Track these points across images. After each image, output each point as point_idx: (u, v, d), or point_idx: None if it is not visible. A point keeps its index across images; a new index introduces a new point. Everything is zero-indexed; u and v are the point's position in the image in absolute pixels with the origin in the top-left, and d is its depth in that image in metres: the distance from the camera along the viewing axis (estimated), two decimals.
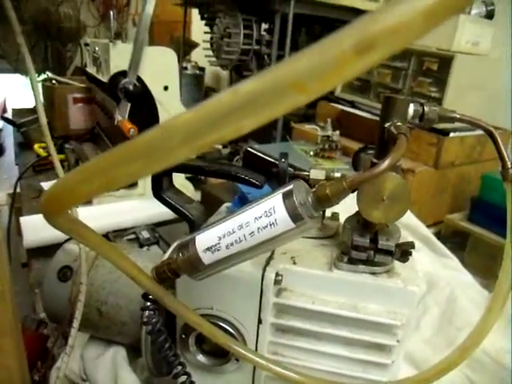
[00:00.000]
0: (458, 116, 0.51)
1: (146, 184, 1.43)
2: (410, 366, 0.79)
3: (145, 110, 1.27)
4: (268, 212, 0.40)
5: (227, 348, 0.48)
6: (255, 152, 0.82)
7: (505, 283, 0.48)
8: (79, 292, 0.61)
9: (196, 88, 2.24)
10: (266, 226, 0.40)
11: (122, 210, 1.37)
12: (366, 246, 0.51)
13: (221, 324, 0.55)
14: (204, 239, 0.44)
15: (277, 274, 0.53)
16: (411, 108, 0.50)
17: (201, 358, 0.58)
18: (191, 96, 2.13)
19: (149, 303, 0.51)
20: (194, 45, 3.04)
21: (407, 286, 0.52)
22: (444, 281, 0.90)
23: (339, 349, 0.55)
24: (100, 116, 1.73)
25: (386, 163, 0.39)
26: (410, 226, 0.99)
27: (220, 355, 0.58)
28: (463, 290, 0.88)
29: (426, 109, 0.50)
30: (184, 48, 2.49)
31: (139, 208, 1.38)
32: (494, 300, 0.48)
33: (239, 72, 2.33)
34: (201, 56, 2.40)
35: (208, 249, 0.43)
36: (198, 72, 2.37)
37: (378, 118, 0.51)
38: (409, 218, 1.00)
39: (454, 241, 1.33)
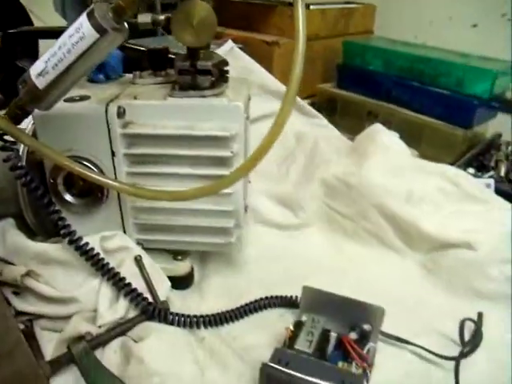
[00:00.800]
0: None
1: None
2: (282, 207, 0.96)
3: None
4: (77, 29, 0.52)
5: (86, 177, 0.61)
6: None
7: (296, 76, 0.59)
8: None
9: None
10: (78, 41, 0.52)
11: None
12: (188, 69, 0.64)
13: (81, 162, 0.68)
14: (35, 67, 0.55)
15: (118, 108, 0.65)
16: None
17: (70, 198, 0.71)
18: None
19: (5, 143, 0.62)
20: None
21: (232, 102, 0.66)
22: (311, 135, 1.06)
23: (186, 169, 0.69)
24: None
25: None
26: (280, 92, 1.13)
27: (87, 195, 0.71)
28: (327, 139, 1.05)
29: None
30: None
31: None
32: (287, 91, 0.59)
33: None
34: None
35: (39, 74, 0.55)
36: None
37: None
38: (277, 85, 1.15)
39: (328, 107, 1.51)
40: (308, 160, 1.00)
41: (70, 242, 0.66)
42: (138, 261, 0.70)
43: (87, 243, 0.66)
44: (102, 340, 0.63)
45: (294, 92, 0.58)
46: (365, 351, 0.62)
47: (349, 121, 1.33)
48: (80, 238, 0.66)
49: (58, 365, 0.61)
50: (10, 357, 0.58)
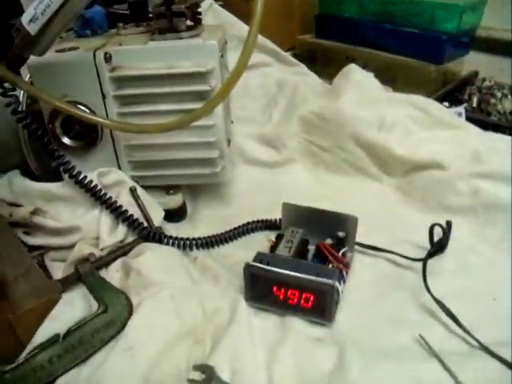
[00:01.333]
0: None
1: None
2: (266, 146, 1.04)
3: None
4: None
5: (80, 117, 0.69)
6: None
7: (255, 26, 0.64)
8: None
9: None
10: None
11: None
12: (164, 13, 0.72)
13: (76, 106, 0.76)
14: (25, 15, 0.63)
15: (105, 53, 0.73)
16: None
17: (67, 140, 0.79)
18: None
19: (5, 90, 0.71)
20: None
21: (206, 41, 0.74)
22: (292, 81, 1.14)
23: (170, 105, 0.76)
24: None
25: None
26: (260, 43, 1.20)
27: (83, 137, 0.80)
28: (307, 84, 1.13)
29: None
30: None
31: None
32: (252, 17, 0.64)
33: None
34: None
35: (30, 21, 0.63)
36: None
37: None
38: (258, 37, 1.22)
39: (309, 58, 1.58)
40: (289, 101, 1.08)
41: (70, 177, 0.75)
42: (133, 191, 0.78)
43: (86, 176, 0.75)
44: (105, 261, 0.72)
45: (259, 18, 0.63)
46: (340, 254, 0.71)
47: (329, 69, 1.39)
48: (79, 173, 0.75)
49: (67, 283, 0.69)
50: (26, 277, 0.68)
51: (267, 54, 1.21)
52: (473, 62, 1.49)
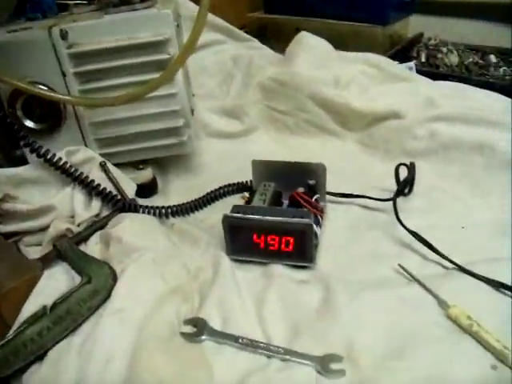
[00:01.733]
0: None
1: None
2: (228, 117, 1.05)
3: None
4: None
5: (41, 95, 0.69)
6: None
7: None
8: None
9: None
10: None
11: None
12: None
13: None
14: None
15: (61, 30, 0.73)
16: None
17: (30, 123, 0.77)
18: None
19: None
20: None
21: (160, 10, 0.74)
22: (247, 55, 1.15)
23: (132, 77, 0.76)
24: None
25: None
26: (213, 22, 1.21)
27: (46, 120, 0.79)
28: (261, 57, 1.14)
29: None
30: None
31: None
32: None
33: None
34: None
35: None
36: None
37: None
38: (210, 17, 1.23)
39: (260, 34, 1.59)
40: (245, 73, 1.09)
41: (39, 156, 0.74)
42: (103, 165, 0.78)
43: (54, 155, 0.74)
44: (83, 236, 0.71)
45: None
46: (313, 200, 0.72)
47: (281, 43, 1.41)
48: (47, 151, 0.74)
49: (47, 261, 0.68)
50: (4, 259, 0.67)
51: (220, 33, 1.22)
52: (416, 24, 1.54)
